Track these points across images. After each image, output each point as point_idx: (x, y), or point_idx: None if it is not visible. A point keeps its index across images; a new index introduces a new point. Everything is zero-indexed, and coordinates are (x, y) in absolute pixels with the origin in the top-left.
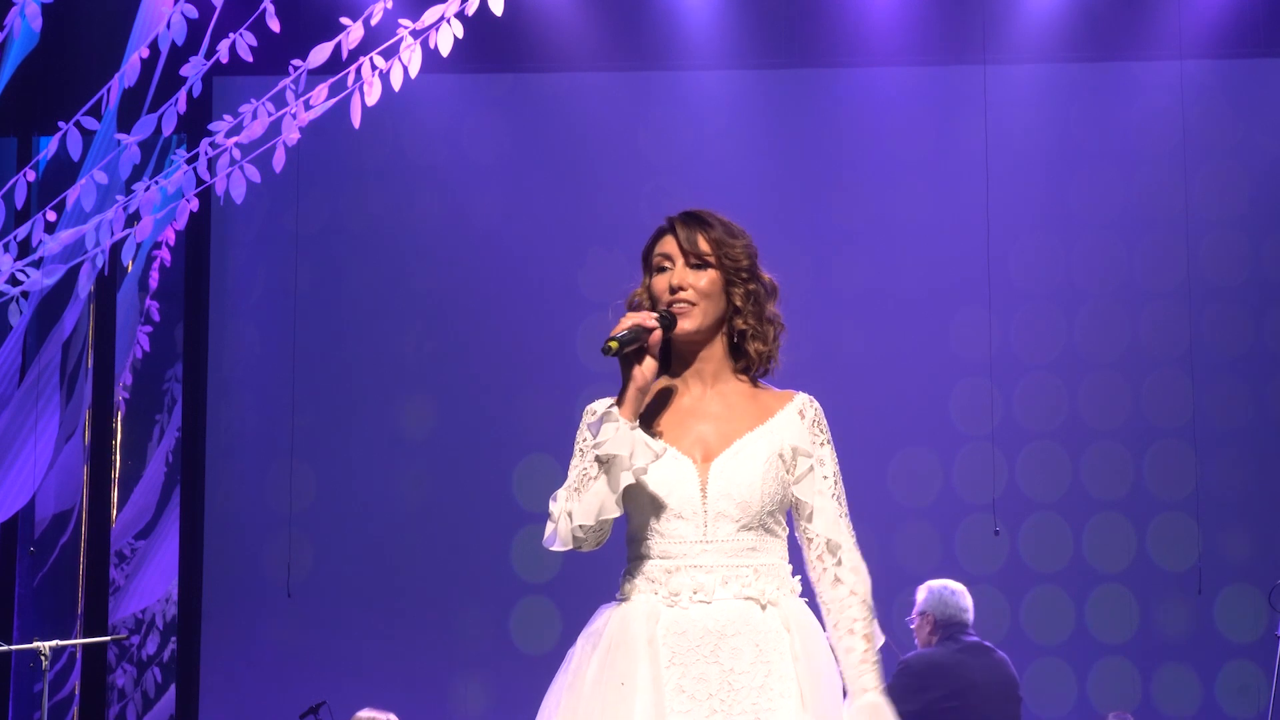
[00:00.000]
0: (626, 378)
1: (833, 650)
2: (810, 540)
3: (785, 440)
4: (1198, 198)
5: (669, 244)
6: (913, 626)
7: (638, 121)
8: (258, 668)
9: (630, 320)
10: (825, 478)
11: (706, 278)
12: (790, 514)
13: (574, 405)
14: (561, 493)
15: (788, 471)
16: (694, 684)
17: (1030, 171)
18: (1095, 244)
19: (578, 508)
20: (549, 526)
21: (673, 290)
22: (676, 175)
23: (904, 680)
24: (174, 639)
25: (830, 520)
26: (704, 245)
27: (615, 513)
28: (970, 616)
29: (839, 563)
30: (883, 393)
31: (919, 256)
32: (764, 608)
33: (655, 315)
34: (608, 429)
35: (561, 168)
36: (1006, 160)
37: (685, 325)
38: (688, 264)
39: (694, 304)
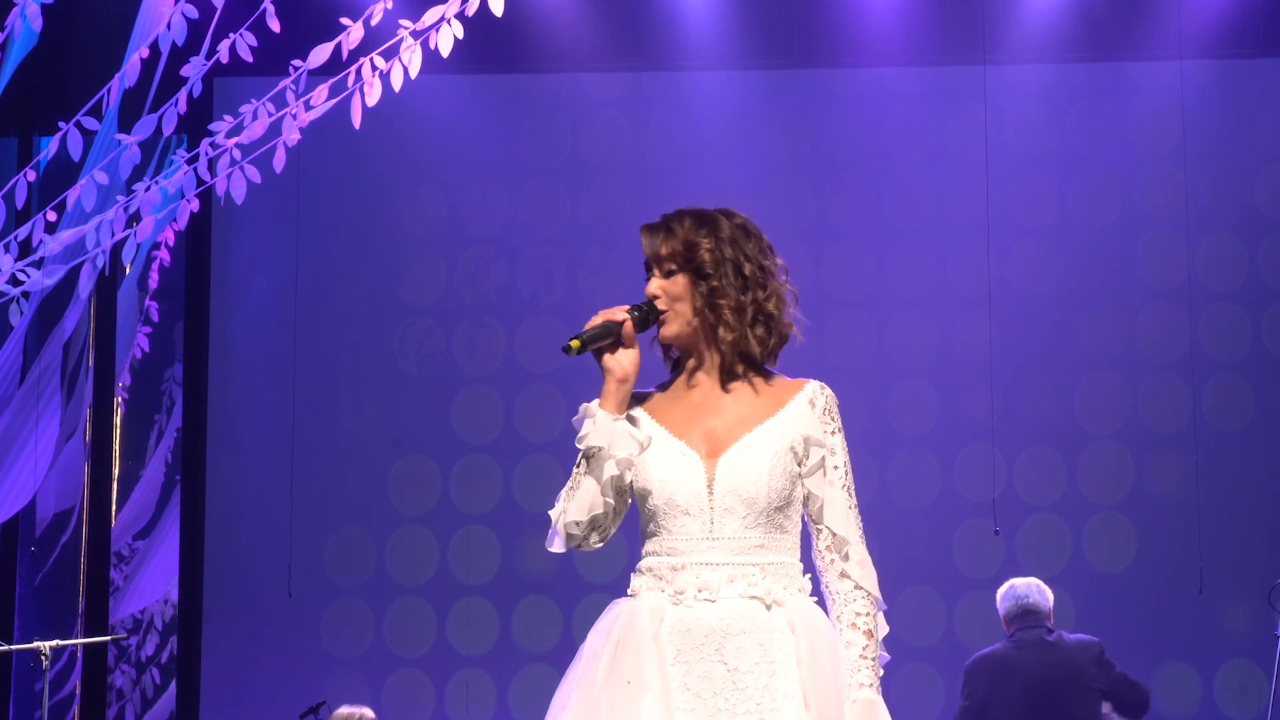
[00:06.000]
0: (603, 371)
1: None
2: (819, 532)
3: (796, 431)
4: (1197, 198)
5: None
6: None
7: (638, 122)
8: (258, 668)
9: (599, 318)
10: (835, 468)
11: (675, 282)
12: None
13: (572, 406)
14: (562, 493)
15: (799, 464)
16: (699, 682)
17: (1030, 171)
18: (1095, 244)
19: (570, 505)
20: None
21: (649, 298)
22: (676, 176)
23: (963, 679)
24: (173, 639)
25: (840, 513)
26: (664, 251)
27: (603, 508)
28: (1033, 602)
29: (846, 557)
30: (882, 393)
31: (918, 256)
32: (769, 607)
33: (627, 308)
34: (586, 423)
35: (561, 168)
36: (1006, 160)
37: (665, 331)
38: (660, 271)
39: (666, 309)
